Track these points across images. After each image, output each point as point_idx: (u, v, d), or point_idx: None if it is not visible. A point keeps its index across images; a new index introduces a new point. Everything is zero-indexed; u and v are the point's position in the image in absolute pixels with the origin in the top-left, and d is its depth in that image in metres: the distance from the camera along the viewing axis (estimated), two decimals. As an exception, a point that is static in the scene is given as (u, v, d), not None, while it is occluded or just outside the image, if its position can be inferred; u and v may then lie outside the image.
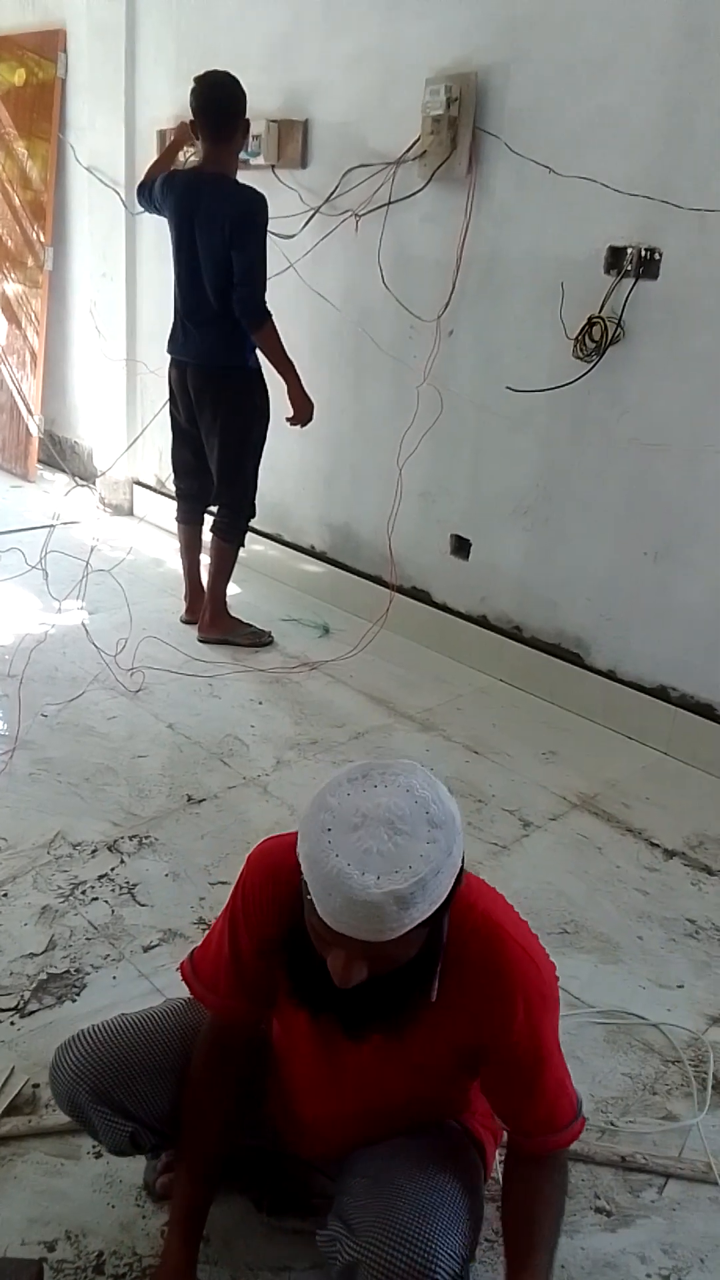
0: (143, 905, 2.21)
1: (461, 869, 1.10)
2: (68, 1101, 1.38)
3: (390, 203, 3.36)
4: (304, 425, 3.41)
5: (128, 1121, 1.36)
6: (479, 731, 3.08)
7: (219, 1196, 1.53)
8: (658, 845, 2.55)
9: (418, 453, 3.47)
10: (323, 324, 3.73)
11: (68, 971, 2.00)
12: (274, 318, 3.22)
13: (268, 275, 3.23)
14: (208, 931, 1.39)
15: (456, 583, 3.56)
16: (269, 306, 3.21)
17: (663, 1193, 1.62)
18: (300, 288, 3.69)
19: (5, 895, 2.21)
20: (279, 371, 3.29)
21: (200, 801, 2.62)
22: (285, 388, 3.32)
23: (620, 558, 3.04)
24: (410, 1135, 1.32)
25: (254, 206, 3.13)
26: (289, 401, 3.33)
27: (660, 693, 3.03)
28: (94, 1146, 1.62)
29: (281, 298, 3.47)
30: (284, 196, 3.64)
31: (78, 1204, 1.54)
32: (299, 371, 3.31)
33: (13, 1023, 1.87)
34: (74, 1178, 1.59)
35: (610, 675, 3.14)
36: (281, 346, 3.25)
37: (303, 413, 3.37)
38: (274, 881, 1.25)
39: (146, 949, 2.08)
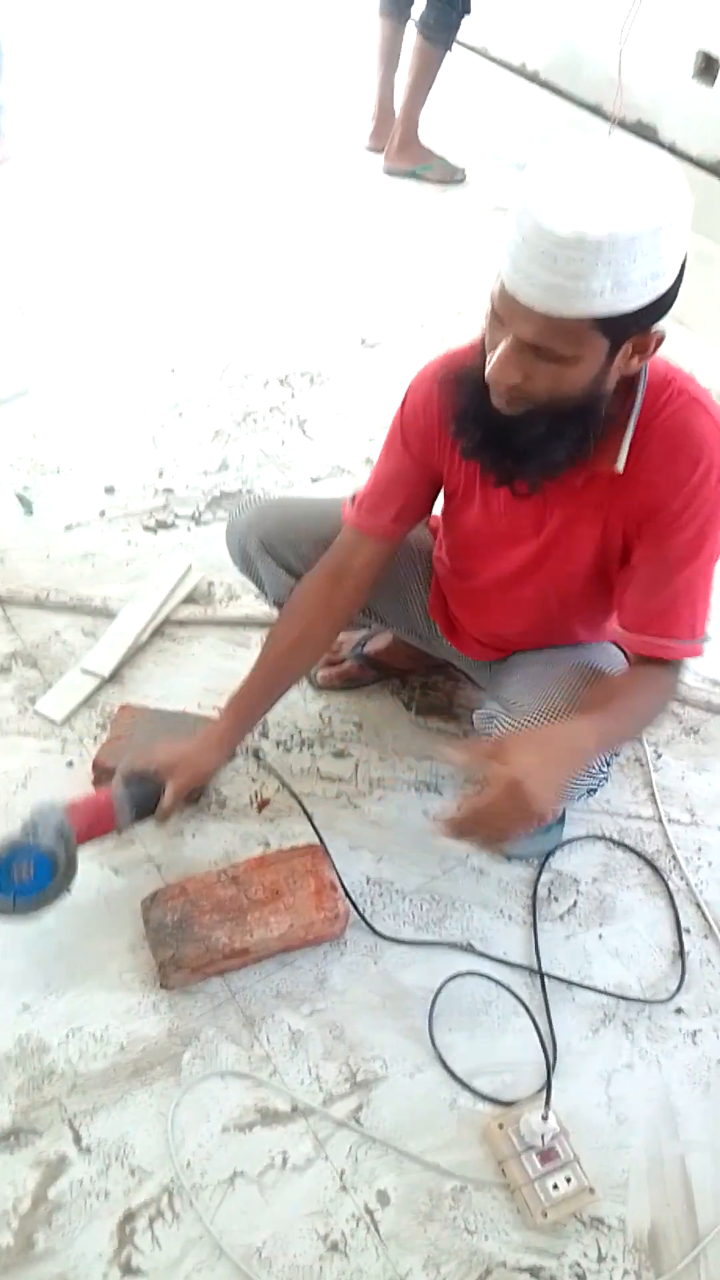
0: (312, 439, 2.21)
1: (668, 298, 0.94)
2: (239, 551, 1.50)
3: None
4: None
5: (291, 576, 1.45)
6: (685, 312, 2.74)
7: (374, 693, 1.68)
8: None
9: None
10: None
11: (240, 490, 2.07)
12: None
13: None
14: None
15: (694, 115, 2.98)
16: None
17: None
18: None
19: (180, 415, 2.24)
20: None
21: (373, 346, 2.51)
22: None
23: None
24: (569, 648, 1.35)
25: None
26: None
27: None
28: (262, 638, 1.75)
29: None
30: None
31: (245, 682, 1.71)
32: None
33: (189, 529, 1.98)
34: (244, 662, 1.69)
35: None
36: None
37: None
38: (439, 378, 1.18)
39: (314, 480, 2.11)
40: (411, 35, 3.05)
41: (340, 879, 1.37)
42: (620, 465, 1.08)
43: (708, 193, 2.97)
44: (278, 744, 1.62)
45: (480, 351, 1.04)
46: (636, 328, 0.95)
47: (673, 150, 3.06)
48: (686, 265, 0.95)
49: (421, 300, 2.68)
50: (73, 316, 2.51)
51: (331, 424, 2.26)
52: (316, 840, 1.43)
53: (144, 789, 1.32)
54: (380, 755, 1.61)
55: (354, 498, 1.35)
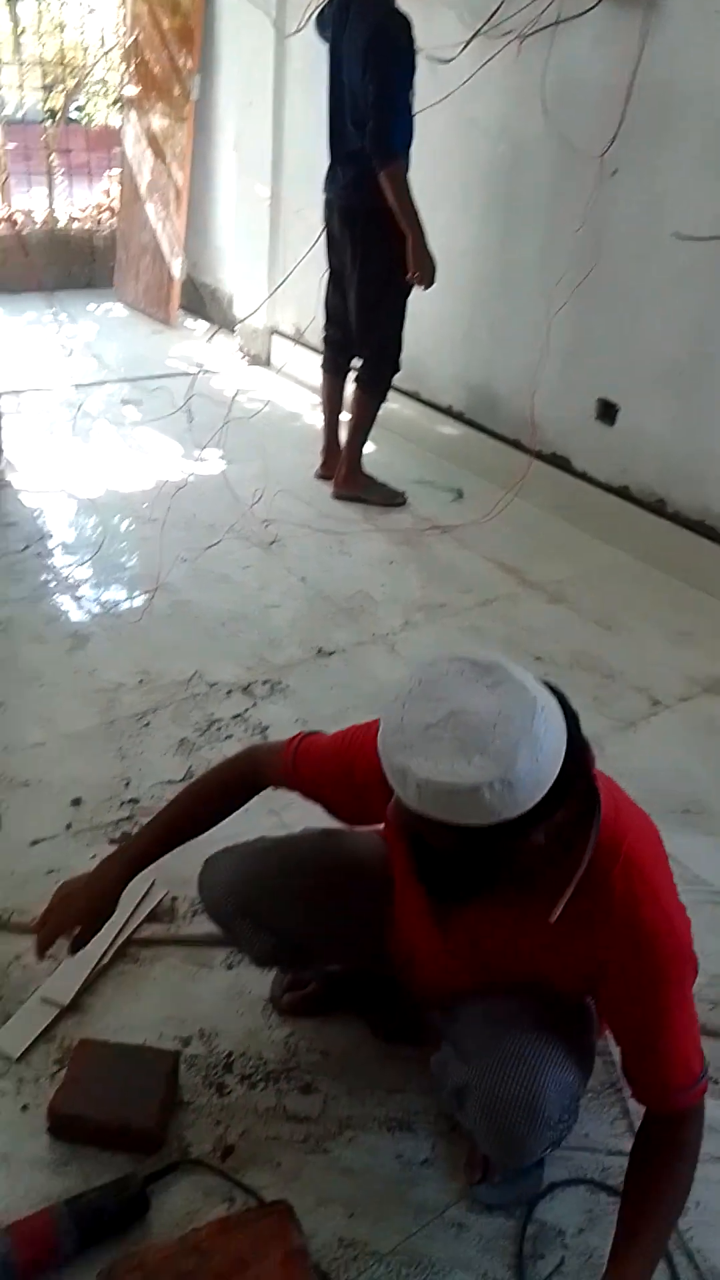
0: (273, 748, 2.30)
1: (577, 758, 1.06)
2: (216, 914, 1.51)
3: (558, 22, 3.06)
4: (426, 286, 3.16)
5: (270, 935, 1.46)
6: (611, 607, 3.01)
7: (339, 1019, 1.66)
8: (791, 734, 2.49)
9: (567, 307, 3.27)
10: (473, 161, 3.50)
11: (202, 802, 2.12)
12: (415, 153, 2.99)
13: (413, 109, 2.97)
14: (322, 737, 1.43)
15: (599, 450, 3.41)
16: (408, 147, 2.97)
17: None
18: (453, 120, 3.44)
19: (147, 725, 2.33)
20: (400, 219, 3.02)
21: (330, 654, 2.68)
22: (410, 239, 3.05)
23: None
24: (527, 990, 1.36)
25: (388, 28, 2.85)
26: (409, 255, 3.09)
27: None
28: (226, 958, 1.76)
29: (432, 131, 3.24)
30: (443, 17, 3.36)
31: (210, 1008, 1.68)
32: (432, 218, 3.07)
33: (152, 843, 2.00)
34: (207, 984, 1.72)
35: (757, 558, 3.00)
36: (408, 193, 2.99)
37: (423, 270, 3.11)
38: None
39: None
40: (351, 385, 3.51)
41: (308, 1243, 1.29)
42: (554, 917, 1.14)
43: (612, 509, 3.35)
44: (243, 1079, 1.57)
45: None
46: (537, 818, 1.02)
47: (585, 477, 3.47)
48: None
49: (372, 612, 2.89)
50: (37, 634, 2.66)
51: (291, 730, 2.32)
52: (283, 1196, 1.35)
53: (93, 1207, 1.31)
54: (349, 1089, 1.56)
55: (294, 752, 1.41)
